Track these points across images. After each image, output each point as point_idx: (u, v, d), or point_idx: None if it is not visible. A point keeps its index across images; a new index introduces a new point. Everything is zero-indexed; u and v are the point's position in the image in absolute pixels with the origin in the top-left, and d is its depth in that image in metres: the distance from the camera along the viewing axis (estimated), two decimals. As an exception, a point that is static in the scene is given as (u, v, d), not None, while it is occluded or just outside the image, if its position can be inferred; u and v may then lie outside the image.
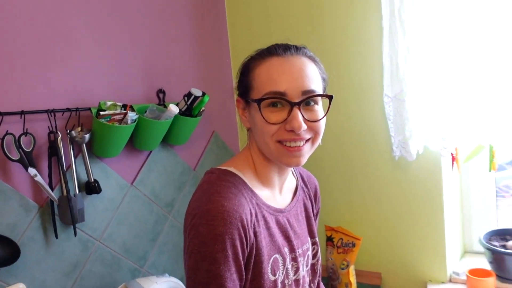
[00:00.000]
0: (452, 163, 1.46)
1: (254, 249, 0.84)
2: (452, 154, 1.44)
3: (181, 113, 1.51)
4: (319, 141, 0.89)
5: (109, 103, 1.33)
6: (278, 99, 0.83)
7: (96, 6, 1.39)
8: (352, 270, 1.60)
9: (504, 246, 1.53)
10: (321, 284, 1.12)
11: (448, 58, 1.38)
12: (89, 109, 1.32)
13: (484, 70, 1.35)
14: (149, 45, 1.57)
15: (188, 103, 1.51)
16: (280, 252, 0.90)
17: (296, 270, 0.95)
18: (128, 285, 1.34)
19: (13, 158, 1.14)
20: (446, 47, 1.37)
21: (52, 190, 1.22)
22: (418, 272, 1.62)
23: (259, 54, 0.90)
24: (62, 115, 1.27)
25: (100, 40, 1.40)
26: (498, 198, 1.75)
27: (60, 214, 1.26)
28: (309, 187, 1.08)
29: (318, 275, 1.06)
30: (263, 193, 0.91)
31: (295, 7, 1.73)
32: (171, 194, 1.63)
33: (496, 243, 1.56)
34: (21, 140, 1.16)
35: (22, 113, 1.16)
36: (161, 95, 1.59)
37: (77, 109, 1.29)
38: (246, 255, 0.82)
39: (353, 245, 1.62)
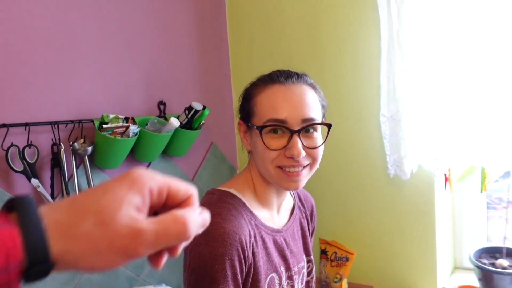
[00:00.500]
0: (445, 183, 1.50)
1: (252, 268, 0.87)
2: (445, 174, 1.48)
3: (182, 126, 1.54)
4: (317, 166, 0.93)
5: (111, 115, 1.35)
6: (279, 126, 0.87)
7: (100, 21, 1.42)
8: (345, 283, 1.63)
9: (493, 264, 1.57)
10: None
11: (444, 80, 1.41)
12: (92, 121, 1.34)
13: (477, 94, 1.38)
14: (151, 58, 1.59)
15: (189, 116, 1.54)
16: (276, 271, 0.93)
17: None
18: (125, 295, 1.36)
19: (17, 170, 1.17)
20: (442, 70, 1.41)
21: (54, 200, 1.25)
22: (410, 287, 1.66)
23: (261, 80, 0.93)
24: (66, 127, 1.29)
25: (103, 53, 1.43)
26: (490, 210, 1.79)
27: (61, 224, 1.28)
28: (305, 206, 1.11)
29: (312, 292, 1.09)
30: (262, 214, 0.94)
31: (296, 27, 1.77)
32: (169, 204, 1.66)
33: (486, 261, 1.59)
34: (25, 151, 1.18)
35: (26, 125, 1.19)
36: (162, 107, 1.62)
37: (80, 121, 1.31)
38: (244, 274, 0.85)
39: (347, 259, 1.65)
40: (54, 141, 1.26)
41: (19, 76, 1.20)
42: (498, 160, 1.41)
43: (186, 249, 0.88)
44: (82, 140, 1.32)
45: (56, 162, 1.26)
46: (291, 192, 1.10)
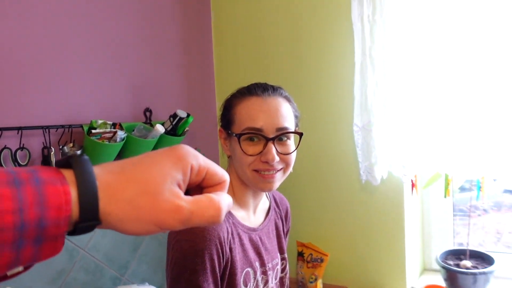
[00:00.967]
0: (412, 189, 1.61)
1: (229, 263, 0.95)
2: (412, 180, 1.59)
3: (167, 132, 1.61)
4: (290, 170, 1.02)
5: (100, 121, 1.43)
6: (255, 134, 0.96)
7: (90, 32, 1.50)
8: (320, 284, 1.72)
9: (458, 265, 1.68)
10: None
11: (411, 93, 1.53)
12: (81, 126, 1.42)
13: (441, 107, 1.50)
14: (138, 68, 1.67)
15: (173, 123, 1.62)
16: (251, 265, 1.02)
17: (266, 282, 1.07)
18: (110, 293, 1.43)
19: (9, 171, 1.23)
20: (410, 83, 1.52)
21: (43, 201, 1.31)
22: (381, 286, 1.76)
23: (241, 92, 1.03)
24: (56, 131, 1.36)
25: (92, 62, 1.50)
26: (465, 217, 1.91)
27: (49, 224, 1.34)
28: (280, 208, 1.20)
29: (286, 287, 1.18)
30: (239, 214, 1.03)
31: (277, 41, 1.87)
32: (153, 207, 1.73)
33: (451, 262, 1.70)
34: (17, 154, 1.25)
35: (19, 129, 1.25)
36: (148, 114, 1.70)
37: (70, 126, 1.38)
38: (222, 268, 0.94)
39: (322, 260, 1.74)
40: (45, 144, 1.32)
41: (13, 83, 1.27)
42: (460, 167, 1.52)
43: (169, 244, 0.96)
44: (71, 144, 1.38)
45: (46, 164, 1.32)
46: (267, 195, 1.19)
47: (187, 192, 0.43)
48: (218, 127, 1.10)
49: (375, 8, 1.52)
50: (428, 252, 1.89)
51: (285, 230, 1.22)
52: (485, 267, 1.61)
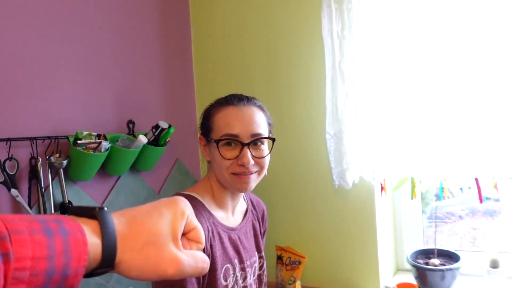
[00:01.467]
0: (381, 192, 1.72)
1: (210, 259, 1.03)
2: (381, 184, 1.70)
3: (149, 142, 1.69)
4: (264, 173, 1.12)
5: (85, 132, 1.49)
6: (232, 140, 1.05)
7: (75, 47, 1.57)
8: (298, 285, 1.80)
9: (427, 264, 1.78)
10: None
11: (379, 103, 1.64)
12: (67, 137, 1.48)
13: (407, 115, 1.62)
14: (121, 80, 1.75)
15: (156, 134, 1.70)
16: (231, 262, 1.10)
17: (244, 278, 1.15)
18: (96, 297, 1.48)
19: (-1, 180, 1.29)
20: (377, 93, 1.64)
21: (31, 209, 1.37)
22: (356, 286, 1.85)
23: (219, 102, 1.12)
24: (43, 142, 1.42)
25: (78, 76, 1.58)
26: (441, 223, 2.02)
27: (37, 231, 1.40)
28: (257, 210, 1.29)
29: (263, 284, 1.26)
30: (219, 214, 1.12)
31: (254, 55, 1.97)
32: (136, 215, 1.79)
33: (421, 261, 1.81)
34: (6, 164, 1.31)
35: (8, 140, 1.31)
36: (131, 125, 1.77)
37: (56, 138, 1.45)
38: None
39: (299, 263, 1.82)
40: (33, 155, 1.39)
41: (1, 96, 1.33)
42: (425, 171, 1.64)
43: None
44: (58, 155, 1.45)
45: (33, 174, 1.38)
46: (245, 198, 1.28)
47: None
48: (198, 135, 1.18)
49: (344, 25, 1.64)
50: (401, 253, 1.99)
51: (262, 230, 1.30)
52: (452, 264, 1.72)
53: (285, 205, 1.94)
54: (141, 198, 1.81)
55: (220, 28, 2.07)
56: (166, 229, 0.47)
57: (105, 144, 1.52)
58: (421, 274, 1.74)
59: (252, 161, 1.06)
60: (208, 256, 1.03)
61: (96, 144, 1.49)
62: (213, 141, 1.08)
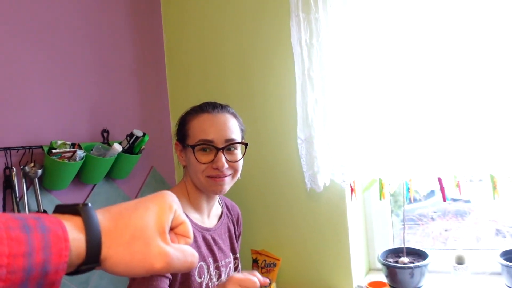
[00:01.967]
0: (351, 193, 1.78)
1: None
2: (351, 186, 1.76)
3: (124, 151, 1.71)
4: (238, 176, 1.17)
5: (59, 142, 1.51)
6: (207, 145, 1.10)
7: (48, 56, 1.59)
8: (274, 287, 1.84)
9: (397, 262, 1.85)
10: None
11: (347, 109, 1.71)
12: (41, 147, 1.49)
13: (374, 120, 1.69)
14: (94, 89, 1.77)
15: (130, 142, 1.72)
16: (205, 260, 1.14)
17: (219, 277, 1.19)
18: (73, 305, 1.48)
19: (-29, 191, 1.29)
20: (344, 99, 1.71)
21: (5, 219, 1.37)
22: (330, 287, 1.90)
23: (194, 110, 1.18)
24: (17, 152, 1.43)
25: (51, 86, 1.59)
26: (414, 225, 2.09)
27: (11, 241, 1.40)
28: (232, 214, 1.34)
29: (238, 285, 1.30)
30: (194, 216, 1.16)
31: (227, 63, 2.02)
32: (112, 223, 1.80)
33: (391, 260, 1.88)
34: (-21, 175, 1.31)
35: (-19, 151, 1.32)
36: (105, 134, 1.78)
37: (30, 147, 1.46)
38: None
39: (274, 265, 1.87)
40: (7, 165, 1.39)
41: (-26, 107, 1.34)
42: (393, 172, 1.71)
43: None
44: (32, 164, 1.46)
45: (8, 184, 1.39)
46: (219, 201, 1.32)
47: None
48: (174, 142, 1.23)
49: (312, 33, 1.71)
50: (372, 253, 2.06)
51: (237, 233, 1.35)
52: (420, 262, 1.80)
53: (259, 209, 1.99)
54: (116, 206, 1.82)
55: (192, 37, 2.11)
56: (152, 223, 0.45)
57: (80, 153, 1.53)
58: (391, 272, 1.81)
59: (226, 165, 1.12)
60: None
61: (71, 153, 1.51)
62: (189, 146, 1.13)
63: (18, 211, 1.40)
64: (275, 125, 1.92)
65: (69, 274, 0.42)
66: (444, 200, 1.67)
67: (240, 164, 1.18)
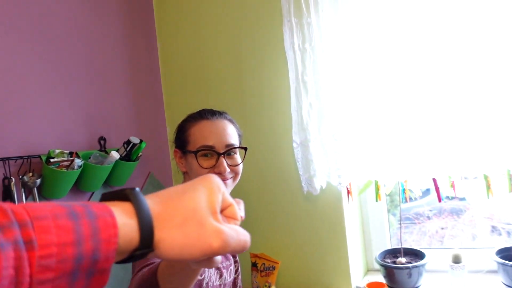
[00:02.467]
0: (348, 196, 1.80)
1: None
2: (347, 188, 1.78)
3: (121, 158, 1.72)
4: (238, 179, 1.22)
5: (57, 151, 1.52)
6: (209, 151, 1.14)
7: (44, 67, 1.60)
8: (273, 290, 1.86)
9: (394, 262, 1.87)
10: None
11: (341, 112, 1.73)
12: (39, 156, 1.50)
13: (368, 123, 1.71)
14: (90, 100, 1.78)
15: (127, 149, 1.74)
16: None
17: (220, 276, 1.22)
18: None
19: (-29, 202, 1.30)
20: (339, 103, 1.72)
21: (5, 229, 1.38)
22: (328, 289, 1.92)
23: (192, 117, 1.21)
24: (15, 162, 1.44)
25: (47, 96, 1.60)
26: (411, 224, 2.11)
27: (11, 250, 1.41)
28: None
29: (237, 287, 1.32)
30: None
31: (222, 70, 2.05)
32: (111, 230, 1.81)
33: (389, 260, 1.89)
34: (-22, 185, 1.33)
35: (-20, 162, 1.33)
36: (102, 142, 1.79)
37: (28, 157, 1.47)
38: None
39: (273, 268, 1.88)
40: (5, 175, 1.41)
41: (-28, 118, 1.36)
42: (388, 174, 1.73)
43: None
44: (30, 174, 1.47)
45: (7, 193, 1.40)
46: None
47: None
48: (173, 149, 1.26)
49: (304, 38, 1.73)
50: (370, 254, 2.07)
51: None
52: (418, 262, 1.81)
53: (257, 213, 2.00)
54: (115, 213, 1.83)
55: (186, 43, 2.13)
56: (204, 203, 0.45)
57: (78, 162, 1.54)
58: (389, 273, 1.82)
59: (228, 169, 1.16)
60: None
61: (69, 162, 1.52)
62: (190, 152, 1.17)
63: (18, 220, 1.41)
64: (270, 130, 1.94)
65: (123, 261, 0.42)
66: (440, 201, 1.69)
67: (241, 167, 1.22)
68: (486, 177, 1.60)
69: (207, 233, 0.43)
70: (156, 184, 2.09)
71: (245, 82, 2.00)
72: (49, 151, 1.51)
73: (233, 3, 2.01)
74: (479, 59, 1.54)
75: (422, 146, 1.64)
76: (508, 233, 1.97)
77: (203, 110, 1.25)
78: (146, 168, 2.03)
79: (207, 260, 0.47)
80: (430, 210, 2.13)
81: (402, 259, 1.85)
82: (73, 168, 1.53)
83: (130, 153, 1.75)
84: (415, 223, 2.13)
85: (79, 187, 1.64)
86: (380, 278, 1.89)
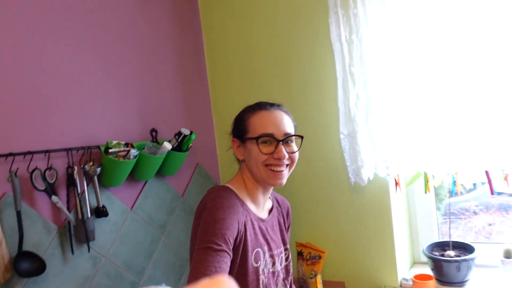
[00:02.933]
0: (396, 187, 1.80)
1: (243, 240, 1.16)
2: (395, 179, 1.78)
3: (173, 149, 1.80)
4: (294, 167, 1.27)
5: (114, 142, 1.61)
6: (269, 138, 1.21)
7: (102, 64, 1.69)
8: (319, 278, 1.89)
9: (442, 255, 1.85)
10: (293, 285, 1.43)
11: (390, 102, 1.72)
12: (98, 147, 1.60)
13: (418, 114, 1.69)
14: (143, 93, 1.87)
15: (179, 140, 1.81)
16: (261, 247, 1.23)
17: (273, 264, 1.28)
18: (131, 294, 1.59)
19: (40, 188, 1.41)
20: (387, 94, 1.72)
21: (70, 213, 1.48)
22: (375, 280, 1.92)
23: (251, 108, 1.28)
24: (77, 152, 1.55)
25: (104, 90, 1.70)
26: (456, 219, 2.08)
27: (75, 234, 1.52)
28: (282, 207, 1.42)
29: (290, 274, 1.38)
30: (251, 206, 1.27)
31: (267, 63, 2.08)
32: (163, 217, 1.91)
33: (437, 253, 1.87)
34: (46, 174, 1.43)
35: (47, 151, 1.44)
36: (154, 134, 1.88)
37: (89, 147, 1.57)
38: (236, 239, 1.14)
39: (319, 257, 1.91)
40: (69, 164, 1.51)
41: (40, 113, 1.46)
42: (438, 165, 1.71)
43: (194, 226, 1.19)
44: (91, 163, 1.57)
45: (71, 181, 1.51)
46: (270, 196, 1.39)
47: None
48: (231, 139, 1.33)
49: (351, 30, 1.73)
50: (416, 246, 2.06)
51: (287, 225, 1.43)
52: (467, 255, 1.79)
53: (304, 203, 2.03)
54: (167, 201, 1.92)
55: (231, 36, 2.17)
56: None
57: (133, 152, 1.63)
58: (437, 266, 1.81)
59: (287, 155, 1.22)
60: (241, 236, 1.17)
61: (125, 152, 1.61)
62: (251, 139, 1.23)
63: (81, 207, 1.51)
64: (316, 121, 1.96)
65: None
66: (492, 193, 1.65)
67: (297, 155, 1.28)
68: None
69: None
70: (204, 175, 2.17)
71: (291, 75, 2.02)
72: (107, 142, 1.60)
73: (279, -4, 2.03)
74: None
75: (474, 137, 1.61)
76: None
77: (260, 102, 1.32)
78: (194, 159, 2.10)
79: None
80: (477, 206, 2.08)
81: (451, 252, 1.82)
82: (129, 158, 1.61)
83: (181, 144, 1.82)
84: (460, 218, 2.09)
85: (134, 176, 1.73)
86: (427, 270, 1.88)
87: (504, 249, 1.78)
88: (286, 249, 1.37)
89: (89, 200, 1.57)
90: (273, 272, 1.29)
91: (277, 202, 1.43)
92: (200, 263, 1.04)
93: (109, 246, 1.66)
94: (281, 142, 1.22)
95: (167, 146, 1.73)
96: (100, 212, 1.60)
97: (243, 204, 1.23)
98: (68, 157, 1.51)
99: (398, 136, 1.72)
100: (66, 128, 1.54)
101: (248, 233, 1.19)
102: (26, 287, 1.39)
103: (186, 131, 1.82)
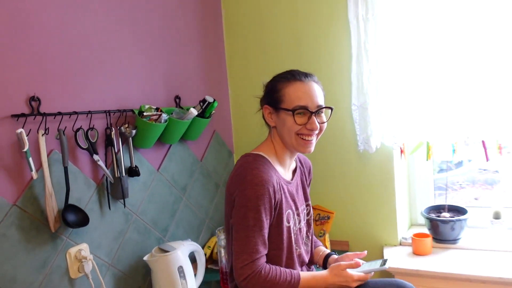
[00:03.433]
0: (401, 154, 1.97)
1: (278, 204, 1.29)
2: (400, 148, 1.95)
3: (198, 115, 1.91)
4: (321, 135, 1.37)
5: (146, 106, 1.72)
6: (303, 110, 1.31)
7: (134, 35, 1.78)
8: (327, 237, 2.07)
9: (438, 217, 2.05)
10: (314, 236, 1.59)
11: (399, 77, 1.87)
12: (132, 110, 1.71)
13: (422, 88, 1.86)
14: (168, 61, 1.97)
15: (203, 107, 1.93)
16: (291, 208, 1.36)
17: (299, 222, 1.42)
18: (161, 247, 1.73)
19: (83, 147, 1.52)
20: (398, 69, 1.87)
21: (108, 169, 1.60)
22: (377, 239, 2.12)
23: (285, 77, 1.36)
24: (113, 114, 1.65)
25: (136, 58, 1.79)
26: (452, 191, 2.25)
27: (112, 190, 1.64)
28: (304, 166, 1.56)
29: (311, 227, 1.53)
30: (280, 170, 1.38)
31: (283, 36, 2.19)
32: (185, 180, 2.04)
33: (433, 215, 2.07)
34: (88, 133, 1.54)
35: (89, 112, 1.53)
36: (177, 100, 2.00)
37: (124, 110, 1.67)
38: (273, 208, 1.28)
39: (328, 218, 2.08)
40: (108, 125, 1.62)
41: (84, 79, 1.55)
42: (439, 135, 1.88)
43: (230, 194, 1.28)
44: (126, 125, 1.67)
45: (109, 141, 1.61)
46: (295, 159, 1.52)
47: None
48: (263, 105, 1.41)
49: (368, 8, 1.86)
50: (414, 210, 2.25)
51: (308, 181, 1.56)
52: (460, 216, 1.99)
53: (316, 168, 2.14)
54: (188, 164, 2.05)
55: (249, 10, 2.27)
56: None
57: (164, 116, 1.74)
58: (434, 226, 2.00)
59: (318, 126, 1.32)
60: (277, 202, 1.29)
61: (157, 116, 1.72)
62: (287, 110, 1.31)
63: (117, 165, 1.63)
64: (332, 93, 2.07)
65: None
66: (487, 160, 1.84)
67: (325, 125, 1.38)
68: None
69: None
70: (220, 142, 2.30)
71: (307, 49, 2.14)
72: (140, 106, 1.71)
73: (295, -27, 2.13)
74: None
75: (473, 111, 1.79)
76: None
77: (294, 70, 1.38)
78: (211, 126, 2.23)
79: None
80: (464, 181, 2.26)
81: (446, 214, 2.02)
82: (160, 122, 1.73)
83: (204, 111, 1.94)
84: (456, 190, 2.25)
85: (161, 139, 1.85)
86: (424, 231, 2.08)
87: (494, 211, 1.98)
88: (307, 205, 1.52)
89: (124, 159, 1.68)
90: (300, 229, 1.44)
91: (300, 162, 1.56)
92: (247, 240, 1.23)
93: (139, 204, 1.79)
94: (314, 114, 1.32)
95: (194, 111, 1.85)
96: (132, 171, 1.71)
97: (275, 171, 1.33)
98: (107, 119, 1.62)
99: (405, 108, 1.89)
100: (104, 92, 1.64)
101: (282, 198, 1.32)
102: (71, 237, 1.51)
103: (210, 99, 1.94)
